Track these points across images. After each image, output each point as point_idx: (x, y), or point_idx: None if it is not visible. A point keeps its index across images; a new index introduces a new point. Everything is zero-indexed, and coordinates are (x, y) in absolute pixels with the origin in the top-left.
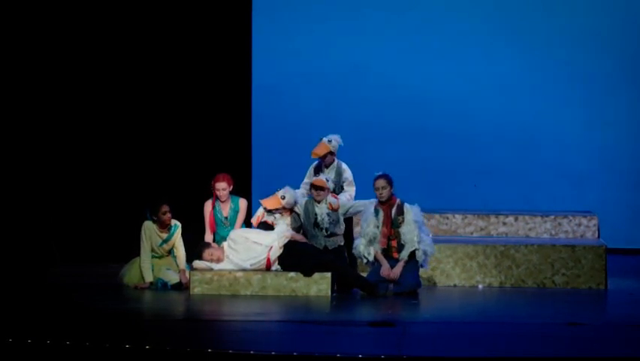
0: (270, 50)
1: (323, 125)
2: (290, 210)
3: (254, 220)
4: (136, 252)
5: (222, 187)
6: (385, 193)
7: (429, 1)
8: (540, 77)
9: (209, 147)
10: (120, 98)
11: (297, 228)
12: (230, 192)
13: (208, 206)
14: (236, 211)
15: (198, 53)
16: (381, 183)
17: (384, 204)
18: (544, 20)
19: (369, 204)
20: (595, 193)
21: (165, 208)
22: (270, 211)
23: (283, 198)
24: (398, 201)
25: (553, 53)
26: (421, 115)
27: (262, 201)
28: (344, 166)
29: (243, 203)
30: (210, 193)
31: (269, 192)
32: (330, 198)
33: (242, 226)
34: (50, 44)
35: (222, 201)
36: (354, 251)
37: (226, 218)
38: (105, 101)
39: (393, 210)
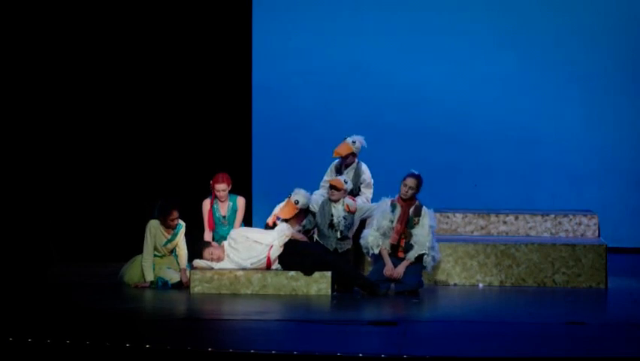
0: (270, 50)
1: (323, 125)
2: (303, 215)
3: (270, 220)
4: (135, 251)
5: (222, 188)
6: (410, 194)
7: (429, 1)
8: (540, 77)
9: (209, 147)
10: (120, 97)
11: (307, 231)
12: (229, 191)
13: (206, 205)
14: (234, 210)
15: (198, 52)
16: (410, 182)
17: (405, 202)
18: (544, 20)
19: (385, 201)
20: (595, 192)
21: (175, 215)
22: (285, 220)
23: (297, 202)
24: (417, 202)
25: (553, 52)
26: (421, 115)
27: (278, 214)
28: (364, 167)
29: (241, 201)
30: (210, 192)
31: (269, 192)
32: (348, 200)
33: (241, 225)
34: (50, 44)
35: (221, 201)
36: (361, 241)
37: (224, 217)
38: (105, 101)
39: (411, 210)
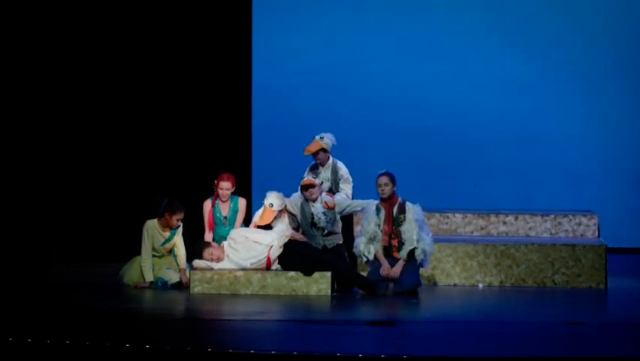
0: (270, 50)
1: (323, 125)
2: (285, 215)
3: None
4: (135, 251)
5: (226, 187)
6: (387, 191)
7: (429, 1)
8: (540, 77)
9: (210, 147)
10: (120, 97)
11: (295, 229)
12: (231, 193)
13: (207, 205)
14: (235, 211)
15: (198, 52)
16: (383, 180)
17: (386, 202)
18: (543, 20)
19: (371, 204)
20: (595, 192)
21: (181, 215)
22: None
23: (272, 205)
24: (400, 199)
25: (553, 52)
26: (421, 115)
27: (259, 223)
28: (339, 164)
29: (242, 203)
30: (210, 192)
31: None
32: (326, 196)
33: (241, 226)
34: (50, 44)
35: (223, 201)
36: (354, 250)
37: (225, 218)
38: (105, 101)
39: (395, 209)
